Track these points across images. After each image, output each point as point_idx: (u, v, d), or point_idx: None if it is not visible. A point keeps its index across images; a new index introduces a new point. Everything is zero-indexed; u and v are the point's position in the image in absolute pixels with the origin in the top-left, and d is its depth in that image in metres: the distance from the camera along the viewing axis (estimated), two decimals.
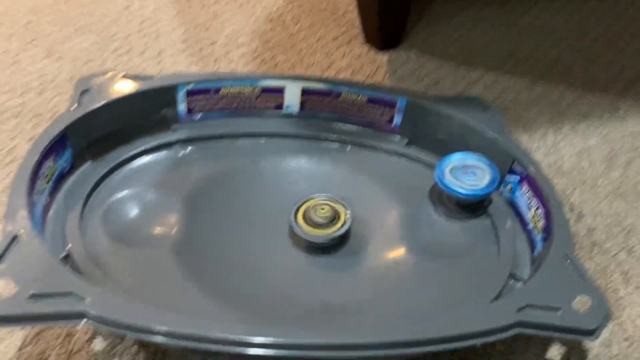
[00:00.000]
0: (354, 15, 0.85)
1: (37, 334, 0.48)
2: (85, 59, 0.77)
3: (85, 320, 0.38)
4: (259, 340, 0.38)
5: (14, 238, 0.41)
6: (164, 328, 0.38)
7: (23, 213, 0.43)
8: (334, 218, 0.53)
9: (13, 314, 0.37)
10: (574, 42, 0.80)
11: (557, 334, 0.42)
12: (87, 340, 0.48)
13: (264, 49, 0.80)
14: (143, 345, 0.48)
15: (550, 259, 0.46)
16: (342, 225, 0.52)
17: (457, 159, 0.56)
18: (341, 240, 0.53)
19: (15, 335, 0.48)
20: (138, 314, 0.38)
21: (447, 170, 0.55)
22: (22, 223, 0.42)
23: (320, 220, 0.52)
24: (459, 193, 0.54)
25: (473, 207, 0.56)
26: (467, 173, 0.55)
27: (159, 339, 0.38)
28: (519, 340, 0.49)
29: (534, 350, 0.49)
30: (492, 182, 0.54)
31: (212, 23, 0.84)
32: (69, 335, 0.48)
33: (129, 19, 0.85)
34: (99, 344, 0.48)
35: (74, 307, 0.38)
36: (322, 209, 0.53)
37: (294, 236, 0.53)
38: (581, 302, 0.43)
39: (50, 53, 0.78)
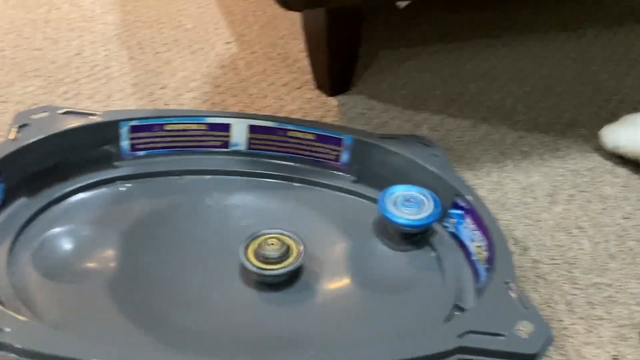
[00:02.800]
0: (305, 63, 0.87)
1: None
2: (31, 103, 0.76)
3: (3, 353, 0.35)
4: None
5: None
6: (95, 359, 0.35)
7: None
8: (286, 253, 0.52)
9: None
10: (515, 88, 0.84)
11: None
12: None
13: (214, 93, 0.80)
14: None
15: (492, 287, 0.46)
16: (295, 260, 0.51)
17: (400, 190, 0.57)
18: (291, 276, 0.51)
19: None
20: (65, 344, 0.36)
21: (389, 201, 0.56)
22: None
23: (272, 255, 0.51)
24: (400, 223, 0.54)
25: (416, 238, 0.56)
26: (409, 204, 0.55)
27: None
28: None
29: None
30: (433, 213, 0.55)
31: (163, 69, 0.85)
32: None
33: (78, 64, 0.84)
34: None
35: None
36: (272, 243, 0.52)
37: (242, 271, 0.51)
38: (523, 328, 0.42)
39: None
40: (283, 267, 0.51)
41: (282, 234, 0.53)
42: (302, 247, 0.52)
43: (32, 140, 0.52)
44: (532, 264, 0.58)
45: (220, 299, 0.49)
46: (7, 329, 0.36)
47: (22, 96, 0.77)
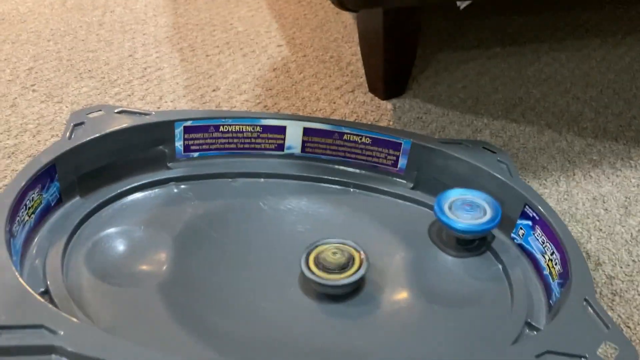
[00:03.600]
0: (357, 66, 0.85)
1: None
2: (85, 103, 0.76)
3: (54, 356, 0.34)
4: None
5: None
6: None
7: (0, 240, 0.40)
8: (348, 263, 0.49)
9: None
10: (580, 93, 0.79)
11: None
12: None
13: (266, 96, 0.78)
14: None
15: (570, 304, 0.43)
16: (357, 270, 0.48)
17: (457, 194, 0.54)
18: (355, 288, 0.49)
19: None
20: (121, 351, 0.34)
21: (446, 205, 0.53)
22: None
23: (334, 265, 0.48)
24: (457, 228, 0.51)
25: (476, 244, 0.53)
26: (467, 208, 0.52)
27: None
28: None
29: None
30: (492, 218, 0.51)
31: (215, 71, 0.84)
32: None
33: (131, 66, 0.84)
34: None
35: (43, 341, 0.34)
36: (335, 253, 0.49)
37: (299, 280, 0.49)
38: (606, 349, 0.39)
39: (49, 97, 0.77)
40: (346, 278, 0.48)
41: (344, 243, 0.50)
42: (364, 258, 0.49)
43: (87, 138, 0.51)
44: (607, 280, 0.54)
45: (275, 307, 0.47)
46: (61, 332, 0.34)
47: (77, 97, 0.77)
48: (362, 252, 0.49)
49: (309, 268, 0.48)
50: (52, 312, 0.36)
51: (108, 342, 0.34)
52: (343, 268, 0.48)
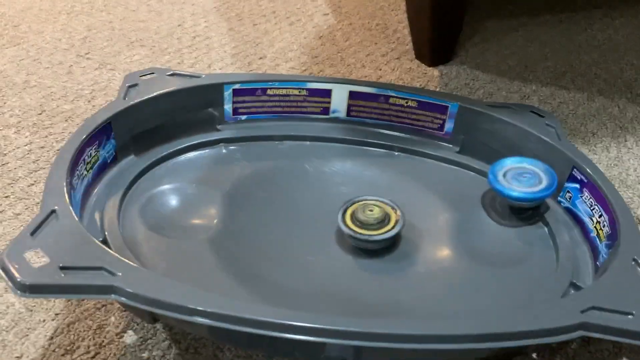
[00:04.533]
0: (404, 33, 0.84)
1: (68, 325, 0.47)
2: (136, 70, 0.78)
3: (114, 295, 0.36)
4: (308, 325, 0.35)
5: (51, 213, 0.40)
6: (207, 309, 0.35)
7: (62, 190, 0.42)
8: (384, 220, 0.50)
9: (40, 283, 0.35)
10: (635, 60, 0.77)
11: (628, 340, 0.37)
12: (117, 334, 0.46)
13: (312, 63, 0.79)
14: (175, 340, 0.46)
15: (618, 262, 0.42)
16: (393, 227, 0.49)
17: (511, 162, 0.53)
18: (390, 244, 0.50)
19: (47, 325, 0.47)
20: (176, 292, 0.36)
21: (500, 174, 0.52)
22: (60, 199, 0.41)
23: (369, 221, 0.49)
24: (514, 196, 0.51)
25: (528, 213, 0.52)
26: (522, 177, 0.52)
27: (199, 320, 0.35)
28: (581, 355, 0.45)
29: None
30: (548, 186, 0.51)
31: (262, 39, 0.85)
32: (100, 327, 0.47)
33: (180, 35, 0.86)
34: (129, 338, 0.46)
35: (103, 281, 0.36)
36: (371, 210, 0.50)
37: (339, 236, 0.50)
38: None
39: (103, 65, 0.79)
40: (381, 234, 0.49)
41: (381, 200, 0.51)
42: (400, 215, 0.49)
43: (141, 99, 0.53)
44: None
45: (316, 261, 0.48)
46: (119, 274, 0.36)
47: (129, 64, 0.79)
48: (398, 210, 0.50)
49: (345, 223, 0.49)
50: (111, 256, 0.38)
51: (163, 283, 0.36)
52: (379, 224, 0.49)
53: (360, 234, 0.48)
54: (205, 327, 0.37)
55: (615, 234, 0.46)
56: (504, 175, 0.52)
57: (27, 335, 0.46)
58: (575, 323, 0.37)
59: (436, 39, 0.76)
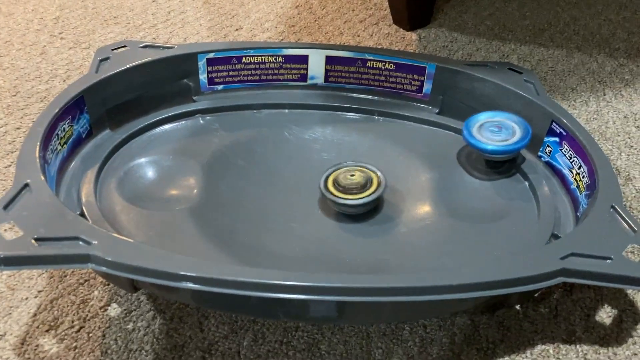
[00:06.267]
0: None
1: (51, 301, 0.47)
2: None
3: (91, 264, 0.35)
4: (295, 284, 0.35)
5: (25, 186, 0.40)
6: (188, 272, 0.35)
7: (35, 164, 0.41)
8: (365, 184, 0.49)
9: (15, 255, 0.35)
10: (613, 15, 0.76)
11: (606, 284, 0.37)
12: (101, 307, 0.46)
13: (289, 32, 0.78)
14: (159, 310, 0.46)
15: (597, 210, 0.42)
16: (375, 191, 0.49)
17: (485, 117, 0.53)
18: (373, 207, 0.50)
19: (30, 302, 0.47)
20: (154, 257, 0.36)
21: (474, 128, 0.52)
22: (33, 173, 0.41)
23: (352, 186, 0.49)
24: (488, 149, 0.51)
25: (505, 166, 0.52)
26: (496, 130, 0.52)
27: (176, 284, 0.35)
28: (563, 303, 0.45)
29: (580, 313, 0.44)
30: (522, 137, 0.51)
31: (237, 11, 0.83)
32: (84, 302, 0.46)
33: (155, 10, 0.85)
34: (113, 310, 0.46)
35: (79, 250, 0.35)
36: (353, 174, 0.50)
37: (322, 202, 0.50)
38: (634, 251, 0.39)
39: (77, 44, 0.78)
40: (363, 197, 0.48)
41: (362, 165, 0.51)
42: (382, 179, 0.49)
43: (113, 72, 0.52)
44: (637, 193, 0.53)
45: (300, 227, 0.48)
46: (95, 242, 0.36)
47: (103, 42, 0.78)
48: (379, 173, 0.50)
49: (327, 189, 0.49)
50: (86, 225, 0.37)
51: (140, 249, 0.36)
52: (361, 188, 0.49)
53: (343, 198, 0.48)
54: (188, 292, 0.36)
55: (594, 184, 0.46)
56: (479, 129, 0.52)
57: (10, 313, 0.46)
58: (555, 270, 0.37)
59: (413, 3, 0.75)
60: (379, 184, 0.49)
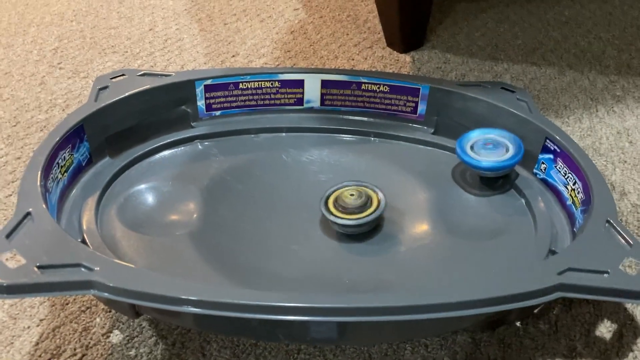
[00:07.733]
0: (375, 23, 0.85)
1: (54, 329, 0.47)
2: None
3: (93, 290, 0.36)
4: (296, 305, 0.35)
5: (26, 215, 0.40)
6: (190, 296, 0.35)
7: (36, 192, 0.42)
8: (366, 203, 0.50)
9: (18, 283, 0.35)
10: (603, 33, 0.78)
11: (604, 298, 0.38)
12: (103, 334, 0.46)
13: (285, 57, 0.79)
14: (161, 336, 0.46)
15: (592, 224, 0.43)
16: (376, 210, 0.49)
17: (477, 134, 0.54)
18: (373, 226, 0.50)
19: (32, 331, 0.47)
20: (155, 282, 0.36)
21: (467, 146, 0.53)
22: (35, 202, 0.41)
23: (353, 205, 0.49)
24: (481, 166, 0.51)
25: (500, 182, 0.53)
26: (489, 147, 0.52)
27: (180, 308, 0.35)
28: (563, 319, 0.45)
29: (580, 329, 0.44)
30: (515, 153, 0.51)
31: (234, 38, 0.85)
32: (86, 329, 0.47)
33: (152, 38, 0.86)
34: (115, 337, 0.46)
35: (81, 277, 0.36)
36: (352, 194, 0.50)
37: (322, 223, 0.50)
38: (630, 265, 0.39)
39: (76, 73, 0.79)
40: (364, 217, 0.49)
41: (361, 185, 0.51)
42: (382, 197, 0.50)
43: (112, 100, 0.53)
44: (633, 208, 0.54)
45: (301, 249, 0.48)
46: (97, 268, 0.36)
47: (102, 71, 0.79)
48: (379, 193, 0.50)
49: (328, 210, 0.49)
50: (88, 252, 0.38)
51: (142, 274, 0.36)
52: (362, 207, 0.49)
53: (345, 218, 0.49)
54: (190, 316, 0.37)
55: (589, 199, 0.47)
56: (472, 147, 0.53)
57: (12, 343, 0.46)
58: (553, 285, 0.38)
59: (406, 25, 0.77)
60: (379, 203, 0.50)
